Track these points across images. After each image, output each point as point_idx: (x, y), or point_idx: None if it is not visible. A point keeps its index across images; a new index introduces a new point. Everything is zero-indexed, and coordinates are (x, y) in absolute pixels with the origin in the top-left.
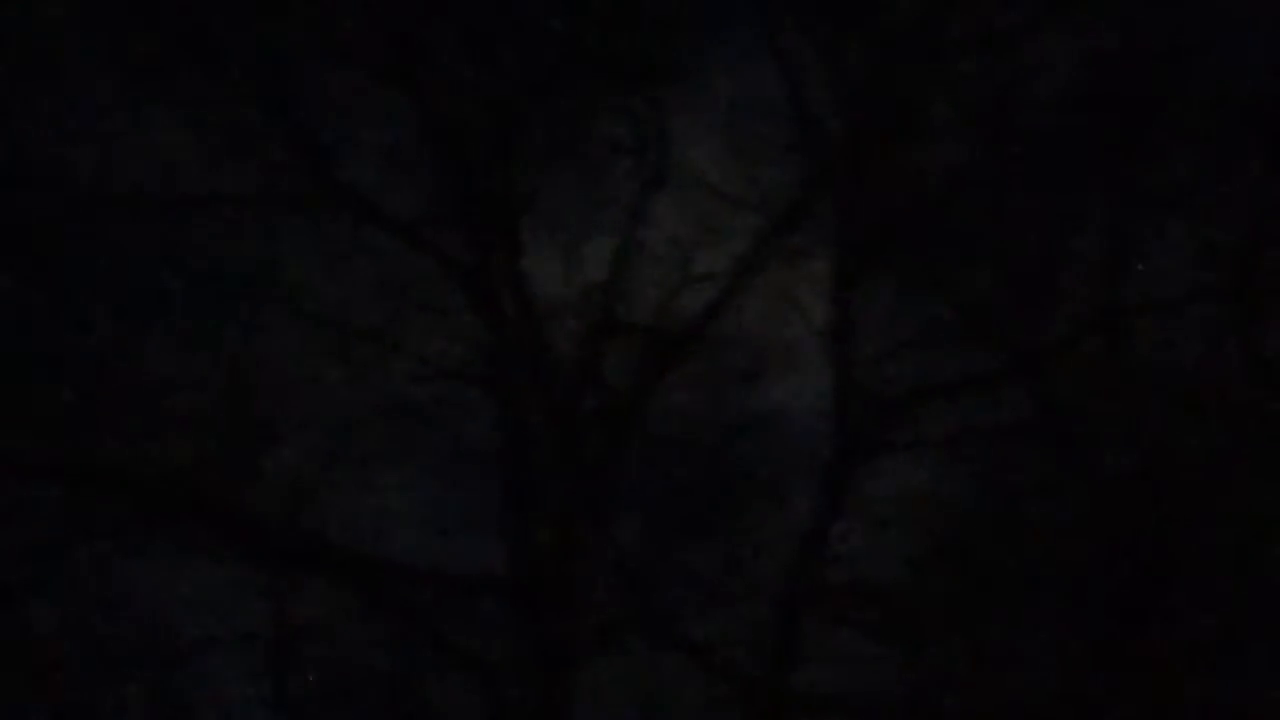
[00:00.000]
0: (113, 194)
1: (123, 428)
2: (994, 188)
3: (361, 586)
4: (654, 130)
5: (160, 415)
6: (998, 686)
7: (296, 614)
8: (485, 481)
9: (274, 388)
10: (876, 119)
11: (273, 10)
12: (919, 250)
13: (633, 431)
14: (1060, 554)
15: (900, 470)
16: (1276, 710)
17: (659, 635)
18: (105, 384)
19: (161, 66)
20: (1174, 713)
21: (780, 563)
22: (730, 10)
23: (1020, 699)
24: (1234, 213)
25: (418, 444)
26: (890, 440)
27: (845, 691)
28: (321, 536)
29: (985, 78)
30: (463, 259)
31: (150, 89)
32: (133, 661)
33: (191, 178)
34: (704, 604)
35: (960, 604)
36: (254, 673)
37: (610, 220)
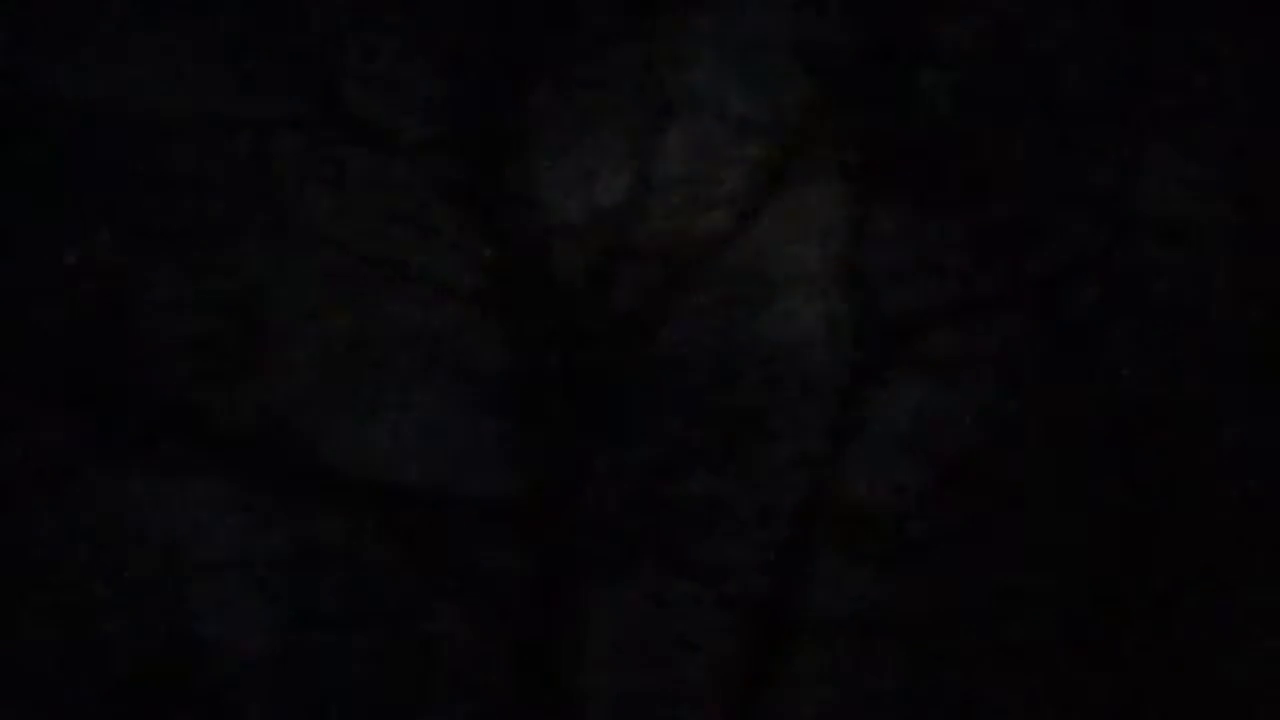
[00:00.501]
0: (115, 114)
1: (125, 350)
2: (1005, 110)
3: (369, 511)
4: (665, 54)
5: (162, 339)
6: (1003, 615)
7: (302, 538)
8: (495, 406)
9: (278, 313)
10: (886, 41)
11: None
12: (930, 173)
13: (643, 356)
14: (1068, 483)
15: (911, 396)
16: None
17: (668, 560)
18: (107, 306)
19: None
20: (1180, 646)
21: (789, 487)
22: None
23: (1025, 629)
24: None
25: (425, 368)
26: (901, 364)
27: (852, 616)
28: (327, 462)
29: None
30: (471, 182)
31: (155, 10)
32: (137, 584)
33: (195, 100)
34: (713, 528)
35: (967, 531)
36: (260, 596)
37: (620, 144)
